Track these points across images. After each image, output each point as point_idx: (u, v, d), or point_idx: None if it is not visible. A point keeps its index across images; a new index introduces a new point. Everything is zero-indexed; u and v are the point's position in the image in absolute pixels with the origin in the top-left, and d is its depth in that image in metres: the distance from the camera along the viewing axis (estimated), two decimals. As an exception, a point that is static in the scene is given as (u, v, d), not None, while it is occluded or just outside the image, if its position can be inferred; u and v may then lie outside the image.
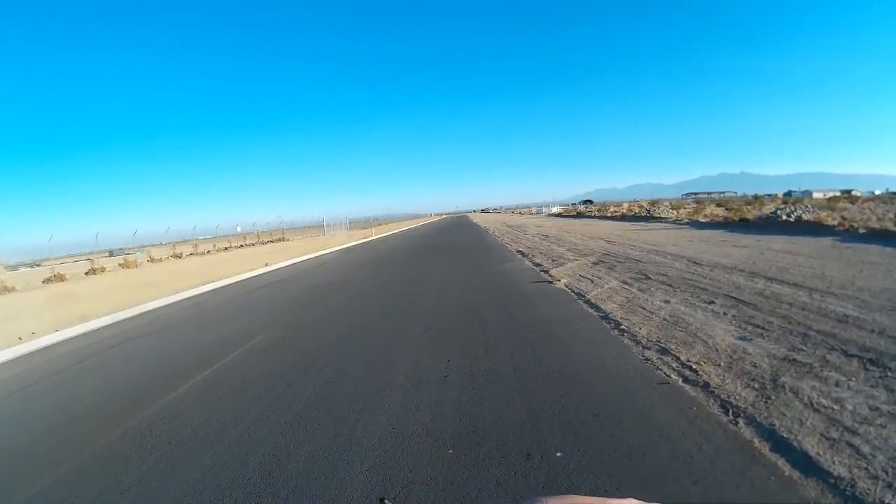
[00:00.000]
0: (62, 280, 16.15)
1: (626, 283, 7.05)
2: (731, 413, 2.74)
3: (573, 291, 6.78)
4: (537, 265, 9.84)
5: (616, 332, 4.60)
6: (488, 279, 8.50)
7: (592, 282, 7.38)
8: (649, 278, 7.21)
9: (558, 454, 2.40)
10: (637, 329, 4.61)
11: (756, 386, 3.07)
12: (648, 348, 4.05)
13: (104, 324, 8.06)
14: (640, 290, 6.44)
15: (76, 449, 3.14)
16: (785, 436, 2.41)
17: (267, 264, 15.02)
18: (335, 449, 2.69)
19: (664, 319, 4.87)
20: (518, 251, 13.30)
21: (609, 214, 36.13)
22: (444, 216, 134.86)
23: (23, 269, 30.20)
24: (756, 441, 2.40)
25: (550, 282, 7.63)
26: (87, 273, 18.37)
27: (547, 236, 17.91)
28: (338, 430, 2.94)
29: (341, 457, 2.59)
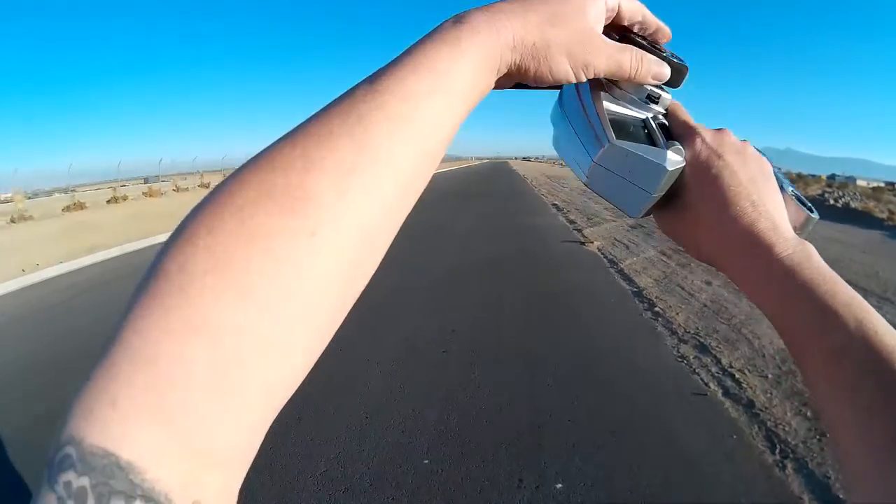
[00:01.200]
0: (82, 208, 15.98)
1: (664, 253, 6.45)
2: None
3: (605, 256, 6.22)
4: (571, 222, 9.23)
5: (649, 314, 4.08)
6: (516, 234, 7.96)
7: (627, 248, 6.79)
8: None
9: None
10: (673, 314, 4.09)
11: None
12: (685, 341, 3.54)
13: (112, 255, 7.89)
14: (679, 264, 5.84)
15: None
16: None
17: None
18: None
19: (704, 305, 4.32)
20: (553, 204, 12.65)
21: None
22: (485, 160, 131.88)
23: (51, 196, 29.74)
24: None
25: (581, 243, 7.06)
26: (108, 201, 18.14)
27: (585, 191, 16.92)
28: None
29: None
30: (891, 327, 0.29)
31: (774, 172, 0.41)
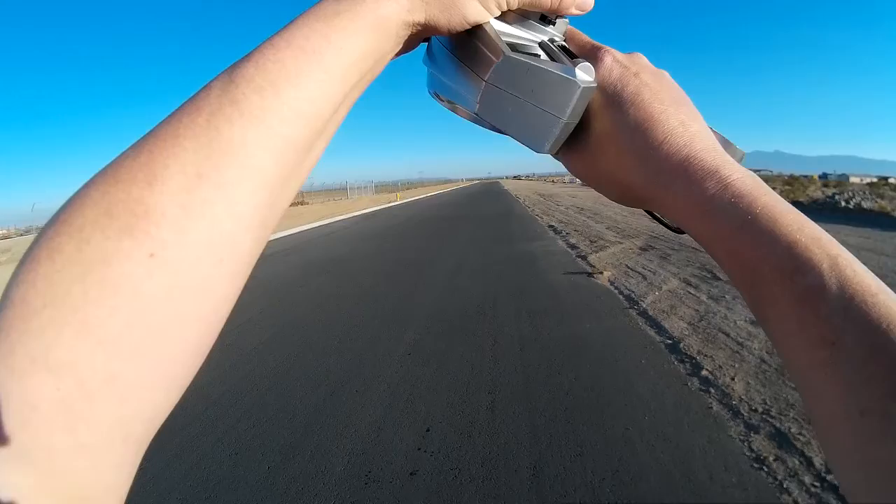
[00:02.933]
0: None
1: (688, 283, 5.41)
2: None
3: (620, 292, 5.16)
4: (572, 247, 8.14)
5: (696, 382, 3.01)
6: (511, 265, 6.89)
7: (644, 277, 5.73)
8: (718, 278, 5.55)
9: None
10: (727, 380, 3.02)
11: None
12: (754, 427, 2.47)
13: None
14: (711, 297, 4.80)
15: None
16: None
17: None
18: None
19: (761, 360, 3.26)
20: (550, 226, 11.61)
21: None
22: (476, 182, 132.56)
23: (17, 238, 29.62)
24: None
25: (590, 274, 6.00)
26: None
27: (582, 209, 16.10)
28: None
29: None
30: (866, 267, 0.25)
31: None
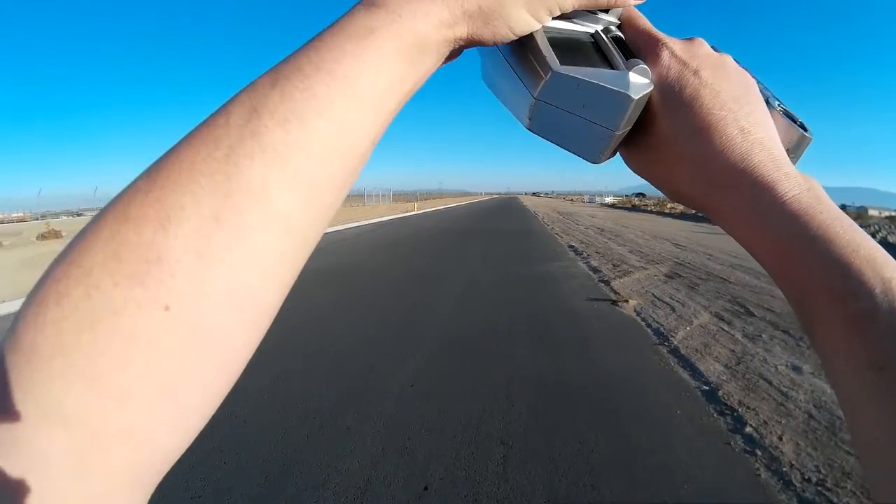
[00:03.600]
0: (58, 237, 15.34)
1: (721, 318, 5.02)
2: None
3: (648, 325, 4.79)
4: (594, 270, 7.76)
5: (740, 441, 2.63)
6: (529, 287, 6.54)
7: (673, 309, 5.35)
8: (752, 314, 5.16)
9: None
10: (774, 439, 2.64)
11: None
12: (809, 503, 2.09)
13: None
14: (747, 336, 4.41)
15: None
16: None
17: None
18: None
19: (808, 416, 2.87)
20: (570, 246, 11.22)
21: (667, 211, 33.36)
22: (495, 196, 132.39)
23: (33, 222, 30.67)
24: None
25: (614, 301, 5.63)
26: (85, 228, 17.69)
27: (603, 230, 15.71)
28: None
29: None
30: None
31: (759, 87, 0.34)
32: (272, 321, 0.23)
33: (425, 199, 65.40)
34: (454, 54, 0.31)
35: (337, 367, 3.65)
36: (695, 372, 3.61)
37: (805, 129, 0.36)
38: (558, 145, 0.33)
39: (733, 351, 4.09)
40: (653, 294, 6.06)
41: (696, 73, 0.31)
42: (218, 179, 0.20)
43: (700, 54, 0.33)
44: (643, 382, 3.40)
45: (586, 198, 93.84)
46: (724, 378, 3.50)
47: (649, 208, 38.33)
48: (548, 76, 0.30)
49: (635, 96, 0.30)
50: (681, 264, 8.31)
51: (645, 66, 0.32)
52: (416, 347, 4.06)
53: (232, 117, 0.22)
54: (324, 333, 4.47)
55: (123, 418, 0.18)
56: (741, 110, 0.31)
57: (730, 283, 6.81)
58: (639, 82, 0.31)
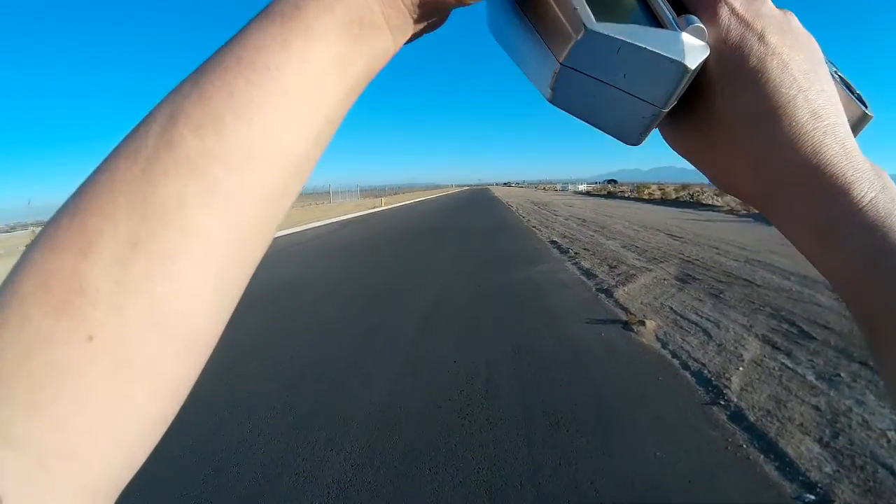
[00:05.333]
0: None
1: (774, 346, 3.64)
2: None
3: (683, 364, 3.31)
4: (588, 275, 6.26)
5: None
6: (508, 304, 5.01)
7: (707, 334, 3.90)
8: (809, 335, 3.78)
9: None
10: None
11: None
12: None
13: None
14: (821, 376, 3.07)
15: None
16: None
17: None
18: None
19: None
20: (552, 241, 9.75)
21: (646, 197, 32.25)
22: (466, 188, 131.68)
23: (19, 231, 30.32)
24: None
25: (625, 323, 4.15)
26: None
27: (584, 220, 14.31)
28: None
29: None
30: None
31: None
32: (209, 349, 0.22)
33: (395, 194, 63.72)
34: (434, 21, 0.26)
35: (237, 462, 2.09)
36: (783, 463, 2.19)
37: (865, 105, 0.30)
38: (588, 122, 0.28)
39: (817, 409, 2.71)
40: (672, 309, 4.60)
41: (761, 37, 0.26)
42: (135, 200, 0.19)
43: (765, 13, 0.27)
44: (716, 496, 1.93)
45: (559, 186, 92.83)
46: (830, 471, 2.11)
47: (626, 195, 37.25)
48: (580, 35, 0.24)
49: (692, 65, 0.25)
50: (689, 262, 6.89)
51: (701, 26, 0.26)
52: (346, 432, 2.51)
53: (152, 126, 0.20)
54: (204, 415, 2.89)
55: (64, 443, 0.18)
56: (812, 88, 0.25)
57: (758, 286, 5.41)
58: (693, 45, 0.25)
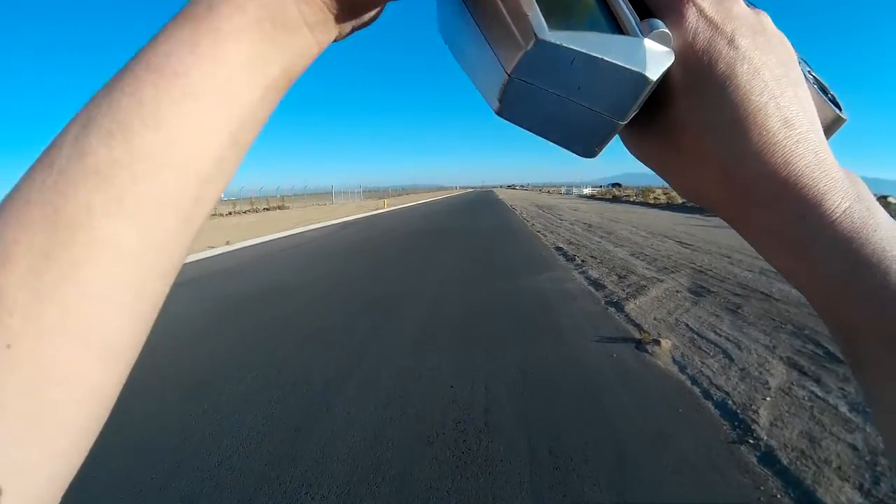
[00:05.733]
0: None
1: (801, 370, 3.34)
2: None
3: (704, 392, 2.99)
4: (596, 285, 5.93)
5: None
6: (512, 318, 4.70)
7: (728, 356, 3.58)
8: (837, 358, 3.46)
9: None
10: None
11: None
12: None
13: None
14: (856, 409, 2.76)
15: None
16: None
17: (228, 243, 11.45)
18: None
19: None
20: (557, 248, 9.43)
21: (651, 202, 31.83)
22: (470, 190, 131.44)
23: None
24: None
25: (638, 343, 3.83)
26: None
27: (590, 225, 13.98)
28: None
29: None
30: None
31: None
32: (132, 357, 0.22)
33: (398, 196, 63.40)
34: (363, 17, 0.26)
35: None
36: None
37: (839, 108, 0.29)
38: (539, 135, 0.26)
39: (854, 448, 2.44)
40: (687, 326, 4.27)
41: (731, 41, 0.24)
42: (47, 211, 0.19)
43: (736, 14, 0.25)
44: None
45: (563, 189, 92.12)
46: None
47: (631, 199, 36.82)
48: (529, 45, 0.22)
49: (654, 76, 0.23)
50: (701, 272, 6.56)
51: (666, 31, 0.24)
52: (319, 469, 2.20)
53: (66, 136, 0.20)
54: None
55: None
56: (784, 94, 0.24)
57: (775, 300, 5.09)
58: (658, 53, 0.23)
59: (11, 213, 0.19)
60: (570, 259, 7.96)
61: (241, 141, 0.23)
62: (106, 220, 0.19)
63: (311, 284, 6.49)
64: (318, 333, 4.29)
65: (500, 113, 0.25)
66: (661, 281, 6.01)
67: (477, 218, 18.79)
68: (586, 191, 71.53)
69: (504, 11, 0.22)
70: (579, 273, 6.71)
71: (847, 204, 0.22)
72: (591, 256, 8.10)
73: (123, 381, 0.22)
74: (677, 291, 5.49)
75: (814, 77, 0.29)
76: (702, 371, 3.31)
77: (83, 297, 0.19)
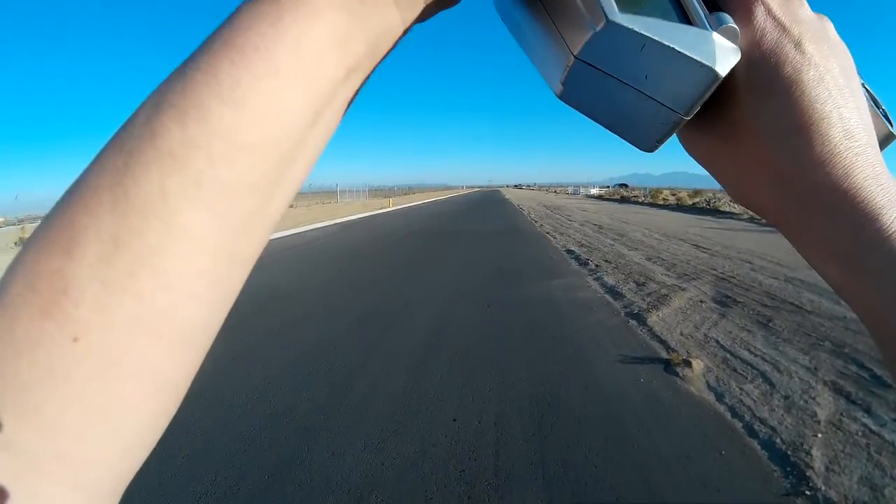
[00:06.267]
0: None
1: (849, 398, 2.95)
2: None
3: (747, 426, 2.58)
4: (614, 293, 5.51)
5: None
6: (522, 332, 4.30)
7: (767, 379, 3.18)
8: (884, 382, 3.06)
9: None
10: None
11: None
12: None
13: None
14: None
15: None
16: None
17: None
18: None
19: None
20: (568, 250, 9.01)
21: (661, 202, 31.32)
22: (476, 189, 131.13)
23: (9, 227, 30.27)
24: None
25: (667, 364, 3.42)
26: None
27: (601, 227, 13.55)
28: None
29: None
30: None
31: None
32: (207, 346, 0.21)
33: (404, 194, 63.02)
34: (432, 8, 0.24)
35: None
36: None
37: (891, 123, 0.28)
38: (599, 124, 0.25)
39: None
40: (718, 343, 3.86)
41: (798, 44, 0.23)
42: (117, 195, 0.18)
43: (802, 17, 0.24)
44: None
45: (570, 189, 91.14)
46: None
47: (639, 200, 36.30)
48: (600, 26, 0.21)
49: (723, 72, 0.22)
50: (723, 279, 6.14)
51: (734, 26, 0.23)
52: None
53: (138, 116, 0.19)
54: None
55: (55, 446, 0.18)
56: (847, 104, 0.23)
57: (808, 313, 4.68)
58: (726, 49, 0.22)
59: (80, 198, 0.18)
60: (583, 263, 7.54)
61: (325, 123, 0.22)
62: (182, 204, 0.18)
63: (293, 297, 6.10)
64: (307, 349, 3.91)
65: (562, 97, 0.24)
66: (683, 289, 5.60)
67: (483, 218, 18.37)
68: (594, 191, 70.97)
69: None
70: (594, 279, 6.29)
71: None
72: (605, 261, 7.69)
73: (196, 371, 0.21)
74: (701, 301, 5.08)
75: (866, 90, 0.27)
76: (741, 400, 2.91)
77: (157, 288, 0.18)
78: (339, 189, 43.21)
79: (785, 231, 0.25)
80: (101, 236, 0.18)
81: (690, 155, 0.29)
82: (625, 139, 0.25)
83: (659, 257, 7.98)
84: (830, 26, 0.25)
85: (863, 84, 0.27)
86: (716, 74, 0.22)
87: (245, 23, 0.19)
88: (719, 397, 2.94)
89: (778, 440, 2.50)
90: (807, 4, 0.25)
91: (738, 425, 2.64)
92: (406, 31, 0.24)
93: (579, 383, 3.12)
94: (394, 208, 27.74)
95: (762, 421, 2.68)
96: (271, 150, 0.20)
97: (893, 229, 0.21)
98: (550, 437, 2.48)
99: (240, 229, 0.20)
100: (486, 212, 22.29)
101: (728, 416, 2.73)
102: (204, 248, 0.19)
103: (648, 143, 0.25)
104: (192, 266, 0.19)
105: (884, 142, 0.28)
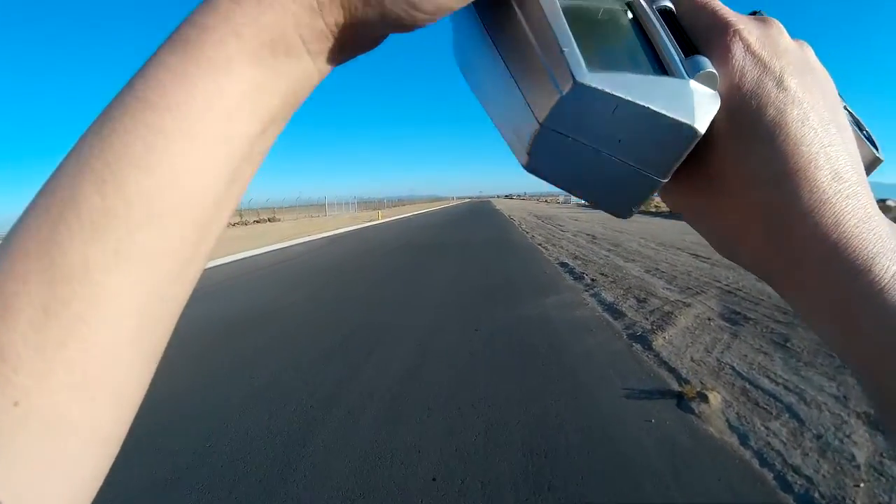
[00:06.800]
0: None
1: (881, 429, 2.49)
2: None
3: (770, 469, 2.19)
4: (614, 312, 5.10)
5: None
6: (515, 359, 3.90)
7: (795, 416, 2.78)
8: None
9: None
10: None
11: None
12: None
13: None
14: None
15: None
16: None
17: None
18: None
19: None
20: (562, 263, 8.62)
21: (653, 210, 31.02)
22: (467, 200, 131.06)
23: None
24: None
25: (679, 397, 3.02)
26: None
27: (594, 237, 13.19)
28: None
29: None
30: None
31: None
32: (139, 400, 0.21)
33: (393, 206, 62.65)
34: (365, 43, 0.23)
35: None
36: None
37: (875, 147, 0.27)
38: (571, 193, 0.24)
39: None
40: (734, 369, 3.47)
41: (779, 81, 0.22)
42: (45, 263, 0.18)
43: (784, 49, 0.23)
44: None
45: (561, 198, 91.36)
46: None
47: (630, 207, 35.89)
48: (566, 89, 0.19)
49: (702, 129, 0.20)
50: (729, 292, 5.77)
51: (713, 71, 0.21)
52: None
53: (61, 178, 0.19)
54: None
55: (14, 497, 0.18)
56: (833, 143, 0.22)
57: (825, 327, 4.29)
58: (705, 98, 0.21)
59: (11, 265, 0.18)
60: (578, 278, 7.14)
61: (241, 178, 0.22)
62: (104, 273, 0.18)
63: (263, 329, 5.67)
64: (272, 383, 3.48)
65: (527, 167, 0.22)
66: (688, 305, 5.21)
67: (473, 230, 17.98)
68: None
69: (536, 46, 0.20)
70: (590, 296, 5.89)
71: (895, 268, 0.20)
72: (602, 274, 7.30)
73: (131, 421, 0.21)
74: (709, 319, 4.70)
75: (849, 112, 0.26)
76: (769, 442, 2.52)
77: (87, 358, 0.19)
78: (327, 202, 42.82)
79: (777, 287, 0.23)
80: (33, 304, 0.18)
81: (672, 209, 0.27)
82: (599, 208, 0.24)
83: (658, 269, 7.61)
84: (811, 52, 0.24)
85: (846, 108, 0.25)
86: (695, 132, 0.20)
87: (158, 76, 0.19)
88: (743, 440, 2.54)
89: (816, 494, 2.12)
90: (786, 32, 0.23)
91: (769, 476, 2.25)
92: (322, 78, 0.23)
93: (581, 426, 2.70)
94: (383, 221, 27.29)
95: (795, 469, 2.29)
96: (189, 213, 0.20)
97: (885, 281, 0.20)
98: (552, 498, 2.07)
99: (164, 288, 0.20)
100: (476, 223, 21.90)
101: (756, 463, 2.34)
102: (128, 313, 0.19)
103: (624, 210, 0.23)
104: (117, 331, 0.19)
105: (869, 167, 0.26)
